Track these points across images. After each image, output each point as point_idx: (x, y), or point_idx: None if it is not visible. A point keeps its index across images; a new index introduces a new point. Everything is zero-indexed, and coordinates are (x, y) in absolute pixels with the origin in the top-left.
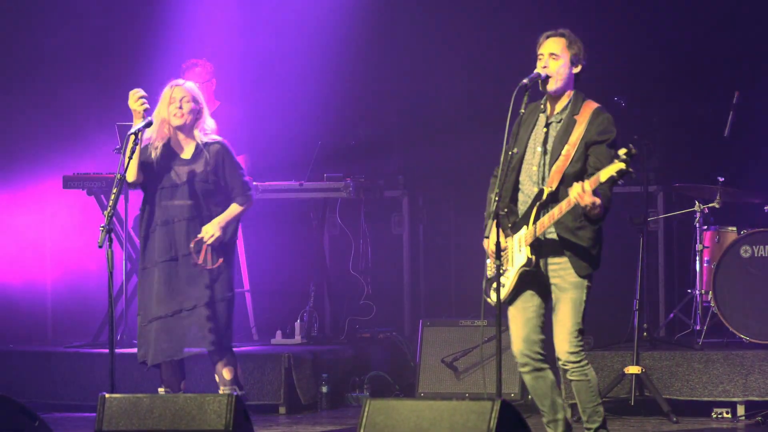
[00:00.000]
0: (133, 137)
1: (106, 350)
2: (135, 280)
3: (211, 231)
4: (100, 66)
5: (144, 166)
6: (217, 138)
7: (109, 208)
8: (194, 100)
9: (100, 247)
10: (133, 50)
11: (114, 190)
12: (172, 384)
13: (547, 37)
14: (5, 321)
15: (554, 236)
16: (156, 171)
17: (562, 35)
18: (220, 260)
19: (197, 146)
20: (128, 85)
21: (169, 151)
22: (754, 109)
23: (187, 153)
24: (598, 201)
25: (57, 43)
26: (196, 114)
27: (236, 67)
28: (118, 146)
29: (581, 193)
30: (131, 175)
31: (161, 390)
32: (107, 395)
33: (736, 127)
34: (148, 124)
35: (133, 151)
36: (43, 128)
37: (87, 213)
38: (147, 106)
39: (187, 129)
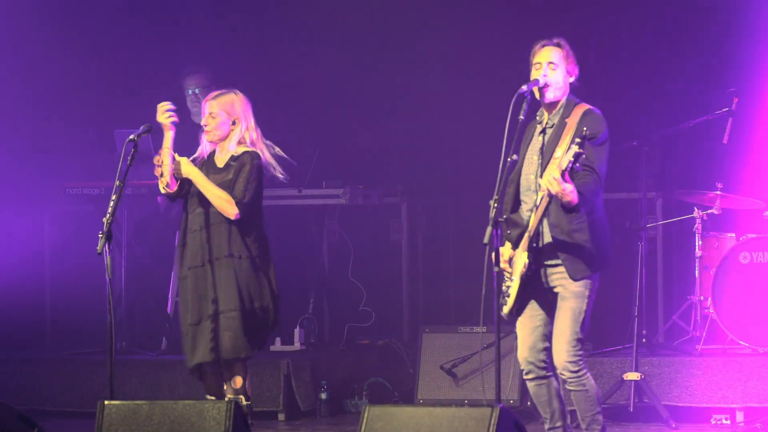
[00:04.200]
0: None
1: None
2: (133, 286)
3: (183, 166)
4: (99, 72)
5: (186, 179)
6: (249, 149)
7: (108, 215)
8: (224, 113)
9: (100, 253)
10: (132, 56)
11: (113, 197)
12: (215, 389)
13: (543, 45)
14: (4, 327)
15: (550, 240)
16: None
17: (558, 45)
18: (175, 188)
19: (231, 157)
20: (126, 91)
21: (210, 162)
22: (753, 116)
23: (221, 163)
24: (570, 187)
25: (59, 47)
26: (227, 126)
27: (234, 74)
28: (117, 152)
29: (551, 180)
30: (164, 186)
31: (209, 398)
32: (106, 402)
33: (735, 133)
34: (147, 130)
35: (133, 158)
36: (42, 134)
37: (86, 219)
38: (174, 118)
39: (222, 142)
